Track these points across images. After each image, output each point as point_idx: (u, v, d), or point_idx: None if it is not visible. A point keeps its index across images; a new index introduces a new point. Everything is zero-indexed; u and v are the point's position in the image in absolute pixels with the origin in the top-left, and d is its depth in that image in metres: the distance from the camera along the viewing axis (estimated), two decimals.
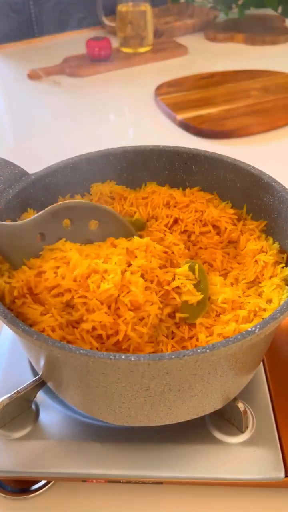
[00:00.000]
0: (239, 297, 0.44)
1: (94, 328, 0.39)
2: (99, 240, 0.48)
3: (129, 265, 0.43)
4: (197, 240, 0.52)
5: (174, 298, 0.43)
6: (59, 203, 0.46)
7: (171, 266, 0.46)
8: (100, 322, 0.39)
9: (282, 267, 0.46)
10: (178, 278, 0.43)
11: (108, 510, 0.45)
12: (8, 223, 0.44)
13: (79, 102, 1.17)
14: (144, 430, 0.45)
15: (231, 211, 0.53)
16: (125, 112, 1.16)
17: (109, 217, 0.48)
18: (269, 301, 0.43)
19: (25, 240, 0.44)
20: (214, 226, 0.52)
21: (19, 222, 0.44)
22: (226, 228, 0.51)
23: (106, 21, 1.40)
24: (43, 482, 0.46)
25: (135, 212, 0.54)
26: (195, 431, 0.46)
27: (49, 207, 0.45)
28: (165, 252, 0.47)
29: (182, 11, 1.58)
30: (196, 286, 0.43)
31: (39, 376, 0.47)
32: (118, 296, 0.40)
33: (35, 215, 0.45)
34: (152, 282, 0.43)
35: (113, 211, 0.48)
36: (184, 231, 0.53)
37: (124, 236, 0.47)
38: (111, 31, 1.45)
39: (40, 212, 0.45)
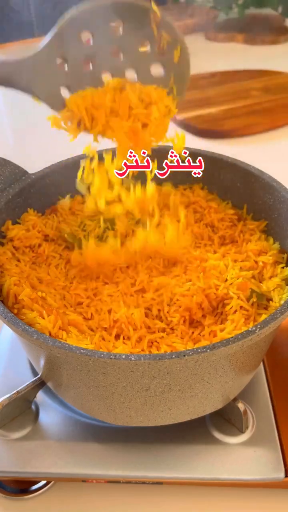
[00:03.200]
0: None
1: None
2: (127, 42, 0.41)
3: None
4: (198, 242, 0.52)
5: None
6: (65, 16, 0.40)
7: None
8: None
9: (282, 267, 0.46)
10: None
11: (108, 510, 0.45)
12: (19, 58, 0.39)
13: None
14: (144, 430, 0.45)
15: (231, 211, 0.53)
16: None
17: (129, 11, 0.39)
18: (269, 300, 0.43)
19: (47, 67, 0.39)
20: (214, 227, 0.52)
21: (33, 50, 0.39)
22: (224, 236, 0.51)
23: None
24: (43, 482, 0.46)
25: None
26: (195, 432, 0.46)
27: (57, 24, 0.39)
28: None
29: (182, 11, 1.58)
30: None
31: (39, 376, 0.47)
32: None
33: (49, 39, 0.39)
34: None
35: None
36: None
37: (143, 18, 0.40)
38: None
39: (52, 34, 0.40)
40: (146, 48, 0.42)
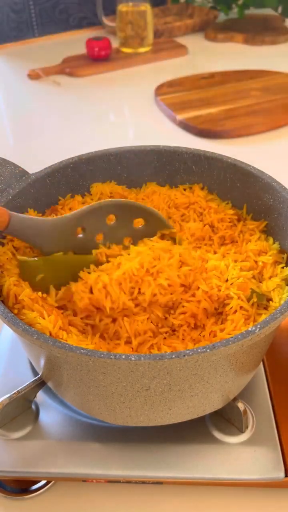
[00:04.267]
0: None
1: None
2: (139, 237, 0.48)
3: None
4: (199, 244, 0.52)
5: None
6: (107, 200, 0.47)
7: None
8: None
9: (282, 267, 0.46)
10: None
11: (108, 510, 0.45)
12: (49, 218, 0.45)
13: (79, 102, 1.17)
14: (144, 430, 0.45)
15: (231, 211, 0.53)
16: (125, 112, 1.16)
17: (154, 219, 0.49)
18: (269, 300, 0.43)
19: (64, 234, 0.45)
20: (214, 227, 0.52)
21: (60, 217, 0.46)
22: (224, 236, 0.51)
23: (106, 21, 1.40)
24: (43, 482, 0.46)
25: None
26: (195, 431, 0.46)
27: (95, 203, 0.46)
28: None
29: (182, 11, 1.58)
30: None
31: (39, 376, 0.47)
32: None
33: (78, 210, 0.46)
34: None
35: (159, 214, 0.49)
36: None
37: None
38: (111, 31, 1.45)
39: (84, 207, 0.46)
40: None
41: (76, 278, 0.44)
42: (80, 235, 0.47)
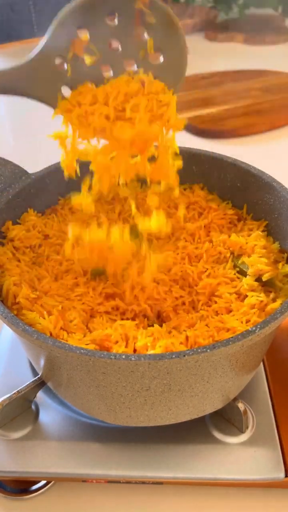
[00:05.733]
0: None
1: None
2: (123, 32, 0.39)
3: None
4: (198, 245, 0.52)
5: None
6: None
7: None
8: None
9: (282, 265, 0.46)
10: None
11: (108, 510, 0.45)
12: (15, 65, 0.39)
13: None
14: (144, 430, 0.45)
15: (231, 211, 0.53)
16: None
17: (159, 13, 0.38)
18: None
19: (44, 74, 0.39)
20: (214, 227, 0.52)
21: (28, 57, 0.39)
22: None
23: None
24: (43, 482, 0.46)
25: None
26: (195, 431, 0.46)
27: (51, 25, 0.39)
28: None
29: (182, 11, 1.58)
30: None
31: (39, 376, 0.47)
32: None
33: (44, 41, 0.39)
34: None
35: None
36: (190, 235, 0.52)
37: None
38: None
39: (47, 35, 0.39)
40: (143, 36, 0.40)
41: None
42: (64, 70, 0.40)
